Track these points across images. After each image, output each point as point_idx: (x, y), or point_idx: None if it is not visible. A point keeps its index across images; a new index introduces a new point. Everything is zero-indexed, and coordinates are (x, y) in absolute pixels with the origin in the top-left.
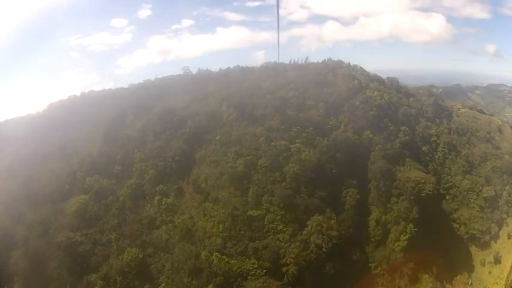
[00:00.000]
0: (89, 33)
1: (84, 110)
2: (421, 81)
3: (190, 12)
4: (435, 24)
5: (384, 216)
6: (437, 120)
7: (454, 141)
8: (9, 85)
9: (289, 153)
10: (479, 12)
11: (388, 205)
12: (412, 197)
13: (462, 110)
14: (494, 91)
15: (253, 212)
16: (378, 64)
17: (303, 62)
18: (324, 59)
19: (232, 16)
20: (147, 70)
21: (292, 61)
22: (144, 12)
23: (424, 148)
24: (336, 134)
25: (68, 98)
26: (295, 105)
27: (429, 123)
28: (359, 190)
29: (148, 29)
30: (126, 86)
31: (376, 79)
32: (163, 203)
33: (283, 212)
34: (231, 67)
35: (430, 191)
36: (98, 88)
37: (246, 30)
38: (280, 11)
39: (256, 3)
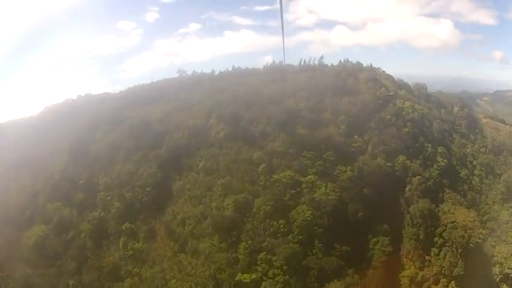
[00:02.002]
0: (96, 35)
1: (72, 116)
2: (429, 88)
3: (198, 16)
4: (443, 30)
5: (420, 273)
6: (471, 136)
7: (491, 163)
8: (14, 86)
9: (299, 189)
10: (485, 18)
11: (427, 257)
12: (459, 249)
13: (484, 121)
14: (502, 97)
15: (245, 277)
16: (385, 70)
17: (315, 63)
18: (340, 61)
19: (240, 20)
20: (154, 74)
21: (303, 62)
22: (152, 16)
23: (462, 173)
24: (363, 160)
25: (64, 101)
26: (308, 120)
27: (464, 141)
28: (391, 238)
29: (156, 32)
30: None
31: (403, 85)
32: (130, 247)
33: (287, 278)
34: (229, 69)
35: (479, 238)
36: (105, 91)
37: (254, 35)
38: (288, 16)
39: (265, 8)
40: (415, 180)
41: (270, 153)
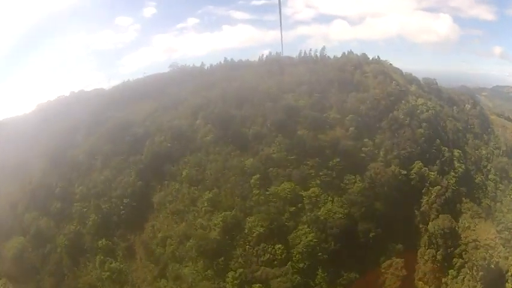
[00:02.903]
0: (94, 31)
1: (62, 115)
2: None
3: (195, 10)
4: (442, 25)
5: None
6: (485, 136)
7: (506, 166)
8: (12, 84)
9: (300, 205)
10: (485, 14)
11: (444, 279)
12: (479, 272)
13: (491, 118)
14: (500, 93)
15: None
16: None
17: (317, 54)
18: (344, 53)
19: (238, 15)
20: (152, 69)
21: (303, 53)
22: (149, 11)
23: (478, 178)
24: (375, 168)
25: (56, 98)
26: (310, 120)
27: (477, 141)
28: (405, 260)
29: (154, 28)
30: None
31: (413, 80)
32: (107, 267)
33: None
34: (222, 62)
35: (500, 257)
36: (102, 87)
37: (252, 29)
38: (286, 10)
39: (262, 2)
40: (434, 191)
41: (265, 161)
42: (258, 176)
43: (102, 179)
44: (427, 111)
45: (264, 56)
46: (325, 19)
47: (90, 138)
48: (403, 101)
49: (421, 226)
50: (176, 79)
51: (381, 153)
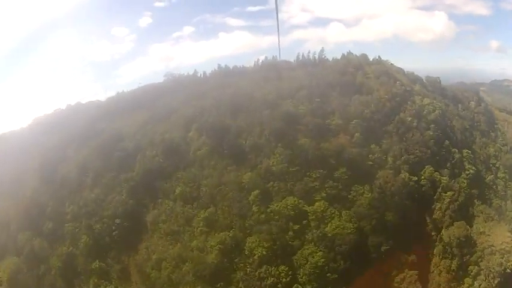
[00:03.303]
0: (90, 42)
1: (58, 129)
2: None
3: (191, 19)
4: (437, 23)
5: None
6: (491, 134)
7: None
8: (7, 94)
9: (305, 222)
10: (479, 9)
11: None
12: (496, 278)
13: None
14: (499, 87)
15: None
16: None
17: (316, 57)
18: (343, 54)
19: (234, 22)
20: (149, 78)
21: (301, 56)
22: (145, 21)
23: (488, 178)
24: (384, 176)
25: (53, 112)
26: (312, 128)
27: (485, 139)
28: (419, 272)
29: (150, 37)
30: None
31: (416, 79)
32: None
33: None
34: (216, 69)
35: None
36: (99, 98)
37: (248, 35)
38: (281, 15)
39: (257, 8)
40: (446, 196)
41: (265, 174)
42: (257, 191)
43: (93, 198)
44: (434, 111)
45: (260, 60)
46: (321, 22)
47: (81, 153)
48: (409, 102)
49: (433, 234)
50: (169, 88)
51: (389, 159)
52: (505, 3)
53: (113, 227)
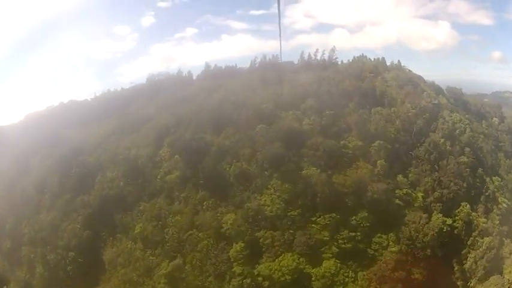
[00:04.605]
0: (92, 40)
1: (43, 128)
2: None
3: (193, 20)
4: (440, 32)
5: None
6: None
7: None
8: (8, 91)
9: None
10: (483, 19)
11: None
12: None
13: None
14: (500, 98)
15: None
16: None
17: (325, 58)
18: (354, 57)
19: (236, 25)
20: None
21: (306, 57)
22: (148, 20)
23: None
24: (414, 221)
25: (45, 108)
26: (322, 151)
27: (509, 161)
28: None
29: (152, 37)
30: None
31: (438, 89)
32: None
33: None
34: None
35: None
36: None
37: (250, 38)
38: (285, 20)
39: (260, 12)
40: (483, 243)
41: (254, 218)
42: (242, 244)
43: (49, 221)
44: (465, 131)
45: (258, 60)
46: (324, 28)
47: (45, 163)
48: (440, 119)
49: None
50: (148, 92)
51: (419, 195)
52: (508, 14)
53: (67, 261)
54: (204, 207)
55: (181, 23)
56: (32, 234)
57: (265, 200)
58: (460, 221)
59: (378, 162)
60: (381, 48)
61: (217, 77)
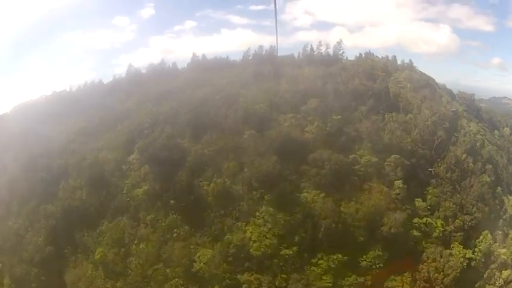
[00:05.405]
0: (91, 30)
1: (21, 121)
2: None
3: (193, 13)
4: (441, 36)
5: None
6: None
7: None
8: (7, 81)
9: None
10: (484, 25)
11: None
12: None
13: None
14: (498, 104)
15: None
16: None
17: (329, 52)
18: (360, 54)
19: (236, 19)
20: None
21: (308, 49)
22: (147, 11)
23: None
24: (433, 257)
25: (38, 97)
26: (328, 168)
27: None
28: None
29: (151, 29)
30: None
31: (450, 94)
32: None
33: None
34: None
35: None
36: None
37: (250, 33)
38: (284, 17)
39: (260, 7)
40: (502, 276)
41: (237, 256)
42: None
43: (15, 229)
44: (484, 143)
45: (252, 51)
46: (324, 26)
47: (16, 164)
48: (461, 130)
49: None
50: (127, 85)
51: (439, 223)
52: (509, 21)
53: (31, 276)
54: (174, 236)
55: (180, 16)
56: (0, 242)
57: (252, 233)
58: (479, 253)
59: (395, 182)
60: (381, 49)
61: (206, 70)
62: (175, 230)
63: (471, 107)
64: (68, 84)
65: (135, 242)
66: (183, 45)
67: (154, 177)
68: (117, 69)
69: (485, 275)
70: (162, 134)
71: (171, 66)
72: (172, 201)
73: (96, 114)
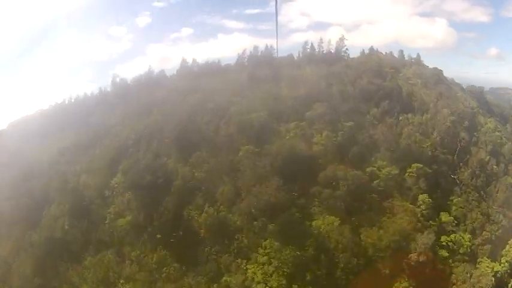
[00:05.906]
0: (88, 42)
1: (24, 137)
2: None
3: (189, 20)
4: (438, 30)
5: None
6: None
7: None
8: (4, 94)
9: None
10: (480, 16)
11: None
12: None
13: None
14: (498, 95)
15: None
16: None
17: (331, 50)
18: (363, 50)
19: (232, 24)
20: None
21: (309, 47)
22: (143, 20)
23: None
24: (468, 280)
25: (34, 112)
26: (344, 192)
27: None
28: None
29: (148, 37)
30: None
31: (460, 90)
32: None
33: None
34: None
35: None
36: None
37: (247, 38)
38: (280, 19)
39: (256, 11)
40: None
41: None
42: None
43: (3, 257)
44: (502, 141)
45: (246, 52)
46: (320, 26)
47: (2, 184)
48: (481, 129)
49: None
50: (112, 98)
51: (466, 238)
52: (505, 11)
53: None
54: (163, 276)
55: (176, 23)
56: None
57: (255, 273)
58: (506, 264)
59: (420, 197)
60: (379, 47)
61: (197, 76)
62: (164, 268)
63: (481, 100)
64: (67, 96)
65: (121, 281)
66: (180, 53)
67: (137, 206)
68: (116, 79)
69: (509, 284)
70: (147, 153)
71: (157, 74)
72: (158, 236)
73: (81, 131)
